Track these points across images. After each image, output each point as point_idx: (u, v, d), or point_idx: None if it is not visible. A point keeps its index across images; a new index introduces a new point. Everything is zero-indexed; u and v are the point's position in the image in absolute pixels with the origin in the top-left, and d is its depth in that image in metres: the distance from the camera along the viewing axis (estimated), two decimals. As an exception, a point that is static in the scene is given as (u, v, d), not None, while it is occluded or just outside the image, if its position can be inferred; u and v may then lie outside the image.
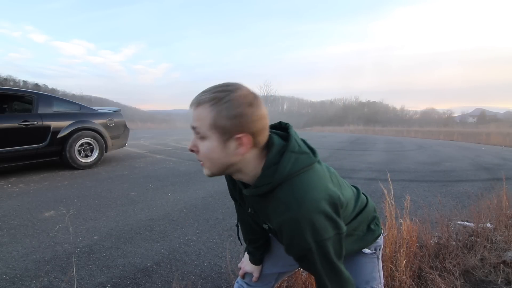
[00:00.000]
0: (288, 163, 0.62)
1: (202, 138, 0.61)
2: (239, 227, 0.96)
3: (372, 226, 0.83)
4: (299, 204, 0.59)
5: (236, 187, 0.80)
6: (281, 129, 0.70)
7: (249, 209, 0.78)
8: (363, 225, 0.81)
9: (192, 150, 0.65)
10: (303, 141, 0.69)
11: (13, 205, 2.63)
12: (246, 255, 0.98)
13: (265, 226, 0.78)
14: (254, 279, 0.94)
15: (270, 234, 0.96)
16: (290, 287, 1.31)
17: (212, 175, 0.66)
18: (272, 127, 0.69)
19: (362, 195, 0.83)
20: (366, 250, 0.83)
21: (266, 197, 0.64)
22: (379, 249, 0.86)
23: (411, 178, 4.32)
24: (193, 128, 0.62)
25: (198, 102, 0.61)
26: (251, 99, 0.59)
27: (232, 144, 0.60)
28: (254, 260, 0.94)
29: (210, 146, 0.61)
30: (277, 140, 0.65)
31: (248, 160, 0.63)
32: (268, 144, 0.64)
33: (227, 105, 0.58)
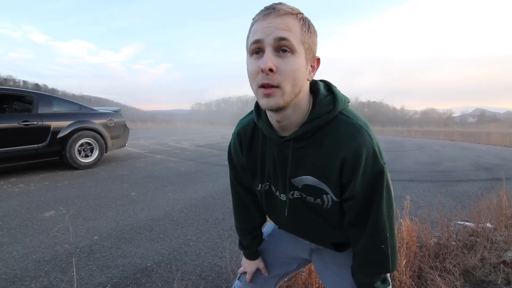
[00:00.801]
0: (340, 94, 0.63)
1: (292, 52, 0.53)
2: (235, 216, 0.92)
3: None
4: (366, 125, 0.60)
5: (252, 156, 0.73)
6: None
7: (261, 186, 0.74)
8: None
9: (270, 70, 0.52)
10: None
11: (13, 205, 2.63)
12: (244, 259, 0.92)
13: (288, 196, 0.71)
14: (264, 272, 0.89)
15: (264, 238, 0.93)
16: (290, 287, 1.31)
17: (284, 104, 0.56)
18: None
19: None
20: None
21: (320, 132, 0.61)
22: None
23: (411, 178, 4.32)
24: (281, 39, 0.52)
25: (280, 10, 0.53)
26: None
27: (309, 66, 0.58)
28: (251, 254, 0.89)
29: (299, 62, 0.55)
30: (317, 81, 0.65)
31: (305, 92, 0.60)
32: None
33: (310, 23, 0.56)
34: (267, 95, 0.55)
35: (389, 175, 0.63)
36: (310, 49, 0.57)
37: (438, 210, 2.16)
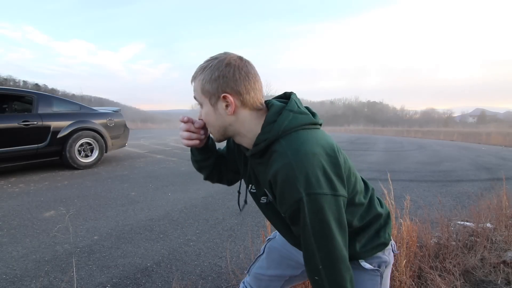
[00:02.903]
0: (285, 119, 0.65)
1: (200, 105, 0.69)
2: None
3: (381, 233, 0.74)
4: (295, 153, 0.60)
5: (240, 159, 0.83)
6: (286, 98, 0.74)
7: (250, 186, 0.80)
8: (372, 226, 0.73)
9: (201, 119, 0.71)
10: (306, 107, 0.72)
11: (13, 205, 2.62)
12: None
13: (263, 199, 0.78)
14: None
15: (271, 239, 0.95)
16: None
17: (218, 140, 0.73)
18: (278, 97, 0.75)
19: (373, 190, 0.78)
20: (366, 265, 0.72)
21: (264, 156, 0.67)
22: (385, 267, 0.75)
23: (411, 178, 4.32)
24: (194, 98, 0.70)
25: (193, 76, 0.69)
26: (232, 61, 0.64)
27: (221, 105, 0.66)
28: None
29: (205, 110, 0.69)
30: (276, 102, 0.69)
31: (243, 121, 0.67)
32: (268, 107, 0.69)
33: (208, 71, 0.65)
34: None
35: (326, 205, 0.58)
36: (210, 94, 0.66)
37: (438, 210, 2.16)
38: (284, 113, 0.65)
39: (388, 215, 0.77)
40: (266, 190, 0.72)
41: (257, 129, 0.67)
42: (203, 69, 0.66)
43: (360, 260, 0.72)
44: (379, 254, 0.74)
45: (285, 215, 0.65)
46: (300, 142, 0.62)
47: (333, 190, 0.59)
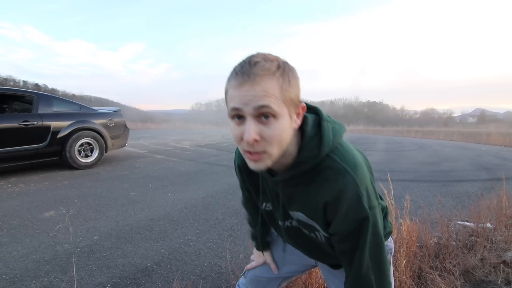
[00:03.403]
0: (329, 132, 0.59)
1: (275, 116, 0.51)
2: (245, 209, 0.93)
3: (386, 222, 0.74)
4: (354, 168, 0.56)
5: (253, 180, 0.73)
6: None
7: (264, 205, 0.75)
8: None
9: (255, 140, 0.51)
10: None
11: (13, 205, 2.62)
12: (255, 250, 0.95)
13: (285, 223, 0.72)
14: (273, 267, 0.89)
15: (275, 237, 0.95)
16: (290, 287, 1.31)
17: (272, 163, 0.55)
18: None
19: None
20: None
21: (308, 175, 0.59)
22: (390, 253, 0.78)
23: (411, 178, 4.32)
24: (261, 107, 0.50)
25: (257, 75, 0.49)
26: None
27: (294, 118, 0.55)
28: (261, 245, 0.91)
29: (283, 124, 0.52)
30: (306, 114, 0.61)
31: (291, 139, 0.57)
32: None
33: (290, 72, 0.53)
34: (255, 160, 0.54)
35: (378, 217, 0.60)
36: (293, 103, 0.54)
37: (438, 210, 2.15)
38: (325, 125, 0.59)
39: (386, 205, 0.79)
40: (300, 212, 0.65)
41: (294, 149, 0.58)
42: (281, 68, 0.52)
43: None
44: (387, 242, 0.75)
45: (338, 233, 0.61)
46: (351, 155, 0.59)
47: (378, 199, 0.60)
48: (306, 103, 0.62)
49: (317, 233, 0.68)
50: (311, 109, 0.64)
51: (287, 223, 0.72)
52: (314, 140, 0.58)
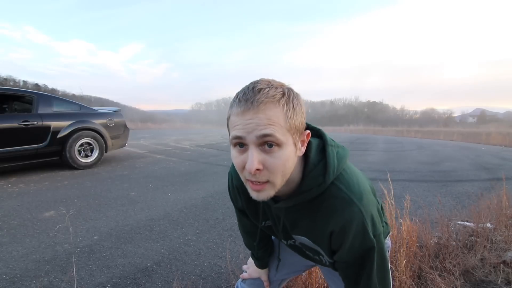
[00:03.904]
0: (334, 158, 0.57)
1: (278, 145, 0.49)
2: (243, 237, 0.92)
3: (383, 222, 0.75)
4: (359, 198, 0.56)
5: (251, 203, 0.71)
6: None
7: (264, 223, 0.73)
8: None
9: (257, 170, 0.49)
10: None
11: (13, 205, 2.62)
12: (251, 261, 0.94)
13: (288, 242, 0.71)
14: (266, 285, 0.91)
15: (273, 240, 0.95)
16: (290, 287, 1.31)
17: (275, 192, 0.53)
18: None
19: None
20: None
21: (312, 203, 0.58)
22: (388, 251, 0.79)
23: (411, 178, 4.32)
24: (264, 136, 0.48)
25: (260, 103, 0.48)
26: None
27: (299, 146, 0.54)
28: (262, 265, 0.90)
29: (287, 153, 0.51)
30: (310, 138, 0.59)
31: (295, 167, 0.55)
32: None
33: (296, 99, 0.52)
34: (257, 190, 0.52)
35: (385, 244, 0.61)
36: (298, 131, 0.52)
37: (438, 210, 2.15)
38: (329, 150, 0.57)
39: (386, 222, 0.80)
40: (304, 237, 0.64)
41: (297, 176, 0.56)
42: (286, 95, 0.50)
43: None
44: (385, 240, 0.76)
45: (344, 261, 0.61)
46: (356, 183, 0.58)
47: (382, 223, 0.61)
48: (308, 125, 0.60)
49: (321, 257, 0.67)
50: (315, 131, 0.62)
51: (290, 242, 0.71)
52: (318, 168, 0.56)
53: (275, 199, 0.61)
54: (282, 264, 0.92)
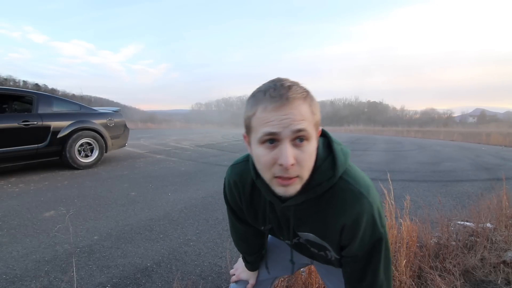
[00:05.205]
0: (341, 154, 0.59)
1: (307, 139, 0.52)
2: (236, 243, 0.90)
3: None
4: (367, 190, 0.58)
5: (252, 207, 0.71)
6: None
7: (264, 227, 0.73)
8: None
9: (292, 164, 0.50)
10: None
11: (13, 205, 2.62)
12: (241, 262, 0.94)
13: (292, 240, 0.71)
14: (249, 286, 0.91)
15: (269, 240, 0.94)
16: (290, 287, 1.31)
17: (300, 188, 0.55)
18: None
19: None
20: None
21: (322, 198, 0.59)
22: None
23: (411, 178, 4.32)
24: (299, 131, 0.50)
25: (294, 99, 0.50)
26: None
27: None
28: (252, 268, 0.90)
29: (313, 147, 0.53)
30: None
31: None
32: None
33: (313, 97, 0.54)
34: (286, 185, 0.53)
35: (388, 236, 0.63)
36: (318, 125, 0.55)
37: (438, 210, 2.15)
38: (335, 146, 0.60)
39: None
40: (311, 233, 0.65)
41: None
42: (307, 92, 0.53)
43: None
44: None
45: (353, 255, 0.62)
46: (362, 176, 0.60)
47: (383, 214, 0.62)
48: None
49: (327, 252, 0.68)
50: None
51: (295, 240, 0.72)
52: (327, 162, 0.57)
53: (281, 198, 0.61)
54: (273, 263, 0.91)
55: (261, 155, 0.53)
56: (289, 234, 0.69)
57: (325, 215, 0.60)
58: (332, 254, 0.67)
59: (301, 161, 0.51)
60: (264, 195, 0.65)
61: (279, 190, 0.55)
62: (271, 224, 0.72)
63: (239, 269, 0.94)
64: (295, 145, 0.51)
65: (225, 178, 0.76)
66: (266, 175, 0.55)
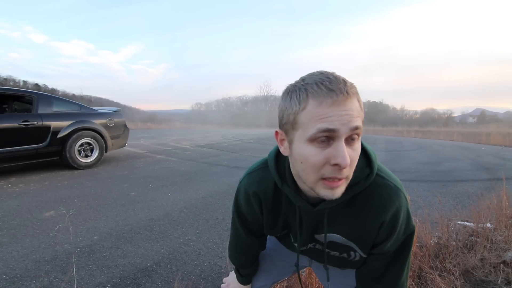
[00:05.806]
0: (371, 151, 0.59)
1: (358, 138, 0.49)
2: (235, 254, 0.86)
3: None
4: (401, 185, 0.58)
5: (273, 213, 0.67)
6: None
7: (281, 233, 0.71)
8: None
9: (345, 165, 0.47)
10: None
11: (13, 205, 2.62)
12: (233, 276, 0.91)
13: (308, 246, 0.68)
14: None
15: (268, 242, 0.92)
16: (290, 287, 1.31)
17: (341, 193, 0.51)
18: None
19: None
20: None
21: (357, 197, 0.56)
22: None
23: (411, 178, 4.32)
24: (356, 128, 0.46)
25: (353, 94, 0.46)
26: None
27: None
28: (246, 281, 0.88)
29: (360, 146, 0.51)
30: None
31: None
32: None
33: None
34: (334, 188, 0.49)
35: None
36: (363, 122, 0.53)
37: (438, 210, 2.15)
38: (364, 144, 0.58)
39: None
40: (338, 234, 0.62)
41: None
42: (354, 86, 0.48)
43: None
44: None
45: (386, 251, 0.61)
46: (391, 174, 0.60)
47: None
48: None
49: (351, 252, 0.65)
50: None
51: (310, 245, 0.69)
52: (360, 160, 0.53)
53: (310, 202, 0.59)
54: (271, 266, 0.90)
55: (310, 154, 0.48)
56: (307, 239, 0.66)
57: (360, 214, 0.57)
58: (358, 254, 0.64)
59: (353, 160, 0.48)
60: (293, 200, 0.60)
61: (325, 193, 0.50)
62: (286, 229, 0.69)
63: (231, 284, 0.91)
64: (347, 144, 0.47)
65: (239, 188, 0.71)
66: (311, 177, 0.50)
